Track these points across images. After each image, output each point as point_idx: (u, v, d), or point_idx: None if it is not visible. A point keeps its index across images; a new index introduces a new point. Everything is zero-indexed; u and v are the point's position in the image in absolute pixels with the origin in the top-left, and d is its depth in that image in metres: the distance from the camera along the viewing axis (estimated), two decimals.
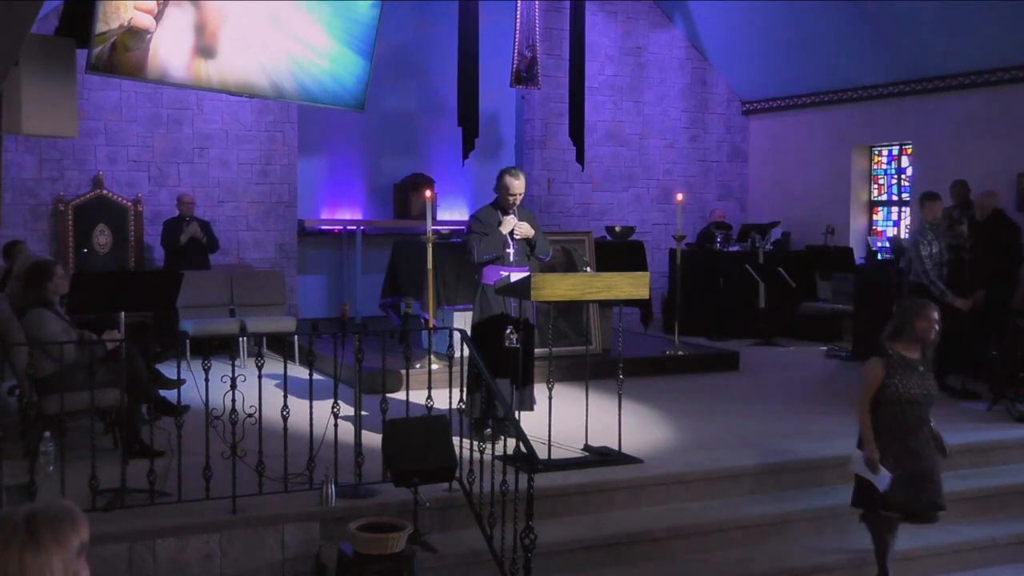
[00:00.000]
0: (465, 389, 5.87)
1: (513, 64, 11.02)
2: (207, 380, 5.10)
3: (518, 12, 11.01)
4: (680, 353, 9.82)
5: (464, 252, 6.73)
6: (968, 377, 8.51)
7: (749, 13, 12.48)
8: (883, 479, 5.20)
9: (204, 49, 8.11)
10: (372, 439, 5.80)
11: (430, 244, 8.37)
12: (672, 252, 11.42)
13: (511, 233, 6.65)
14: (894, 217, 12.48)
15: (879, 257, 11.33)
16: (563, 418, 6.53)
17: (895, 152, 12.50)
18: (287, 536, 5.05)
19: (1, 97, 6.77)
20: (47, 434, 5.75)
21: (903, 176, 12.33)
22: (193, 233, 10.20)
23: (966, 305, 8.36)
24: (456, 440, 5.31)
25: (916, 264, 8.51)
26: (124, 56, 7.51)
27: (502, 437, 6.01)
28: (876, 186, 12.71)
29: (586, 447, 6.41)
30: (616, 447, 6.29)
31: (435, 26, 12.33)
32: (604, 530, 5.52)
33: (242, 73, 8.41)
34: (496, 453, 5.30)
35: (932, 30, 10.78)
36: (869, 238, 12.28)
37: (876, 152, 12.71)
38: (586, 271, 6.88)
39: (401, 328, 6.96)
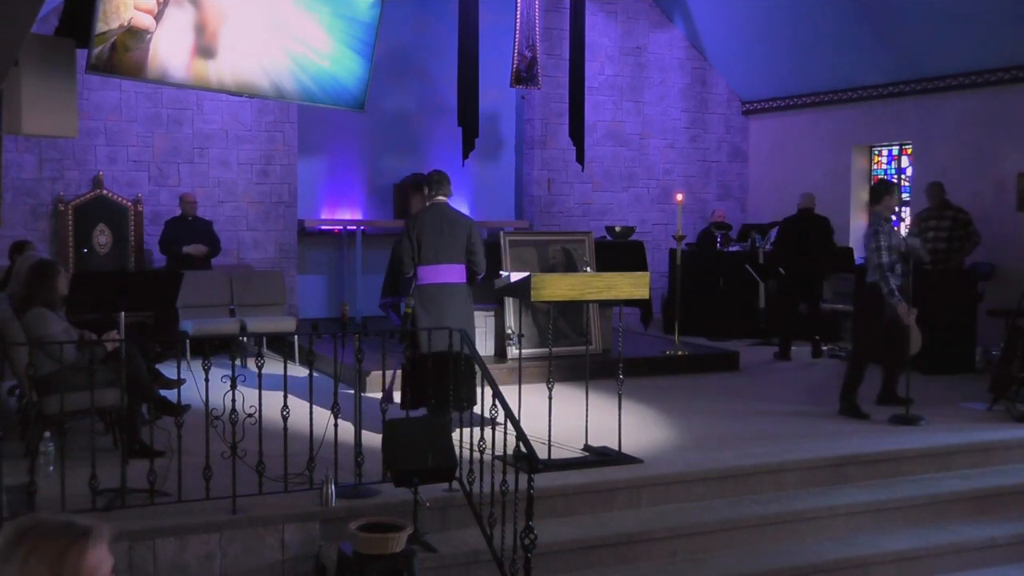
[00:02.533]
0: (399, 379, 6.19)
1: (513, 64, 11.03)
2: (207, 380, 5.11)
3: (518, 12, 11.01)
4: (680, 353, 9.82)
5: (397, 261, 7.03)
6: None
7: (749, 13, 12.48)
8: None
9: (204, 49, 8.10)
10: (372, 439, 5.81)
11: None
12: (672, 252, 11.41)
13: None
14: (894, 217, 12.46)
15: None
16: (563, 418, 6.53)
17: (895, 152, 12.50)
18: (287, 536, 5.05)
19: (1, 97, 6.77)
20: (47, 434, 5.75)
21: (903, 176, 12.33)
22: (197, 253, 10.16)
23: (909, 316, 7.44)
24: (456, 440, 5.32)
25: (873, 257, 7.53)
26: (124, 56, 7.51)
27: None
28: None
29: (586, 447, 6.41)
30: (616, 447, 6.29)
31: (435, 26, 12.33)
32: (604, 530, 5.52)
33: (242, 73, 8.40)
34: (496, 453, 5.30)
35: (932, 30, 10.78)
36: None
37: (876, 152, 12.71)
38: (586, 271, 6.89)
39: (401, 328, 6.96)
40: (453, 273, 6.93)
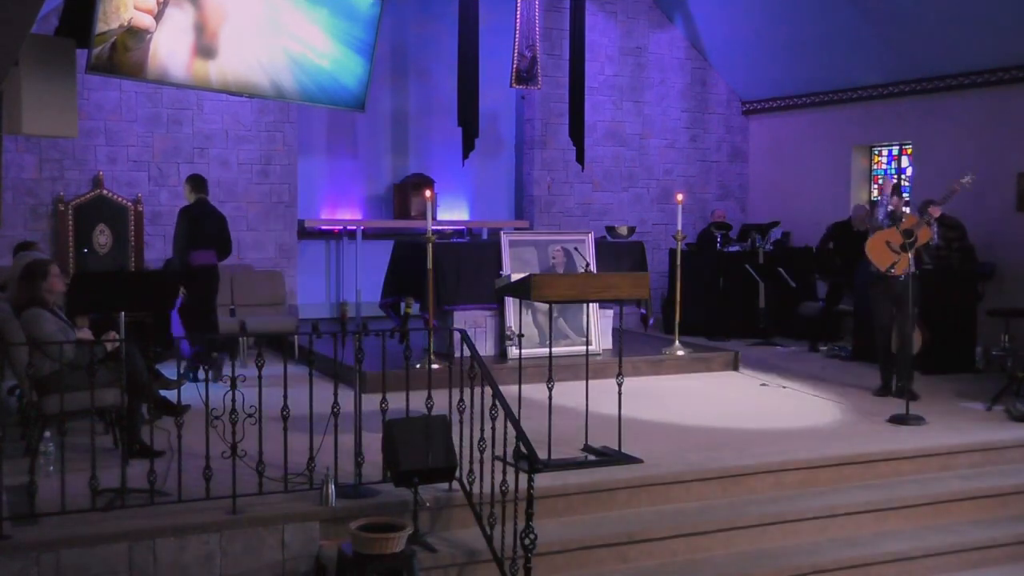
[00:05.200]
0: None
1: (513, 64, 11.03)
2: (207, 380, 5.10)
3: (518, 12, 11.02)
4: (680, 353, 9.82)
5: (180, 247, 8.70)
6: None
7: (749, 13, 12.48)
8: None
9: (204, 49, 8.11)
10: (372, 439, 5.80)
11: (430, 244, 8.38)
12: (672, 252, 11.41)
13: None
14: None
15: None
16: (563, 418, 6.53)
17: (895, 152, 12.50)
18: (287, 536, 5.06)
19: (1, 97, 6.77)
20: (47, 434, 5.75)
21: (903, 176, 12.33)
22: None
23: None
24: (456, 439, 5.32)
25: None
26: (124, 56, 7.52)
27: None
28: (876, 186, 12.71)
29: (586, 447, 6.41)
30: (616, 447, 6.29)
31: (435, 26, 12.33)
32: (604, 530, 5.52)
33: (242, 73, 8.41)
34: (496, 453, 5.30)
35: (932, 30, 10.78)
36: None
37: (876, 152, 12.71)
38: (586, 271, 6.89)
39: (401, 328, 6.96)
40: (212, 256, 8.80)
